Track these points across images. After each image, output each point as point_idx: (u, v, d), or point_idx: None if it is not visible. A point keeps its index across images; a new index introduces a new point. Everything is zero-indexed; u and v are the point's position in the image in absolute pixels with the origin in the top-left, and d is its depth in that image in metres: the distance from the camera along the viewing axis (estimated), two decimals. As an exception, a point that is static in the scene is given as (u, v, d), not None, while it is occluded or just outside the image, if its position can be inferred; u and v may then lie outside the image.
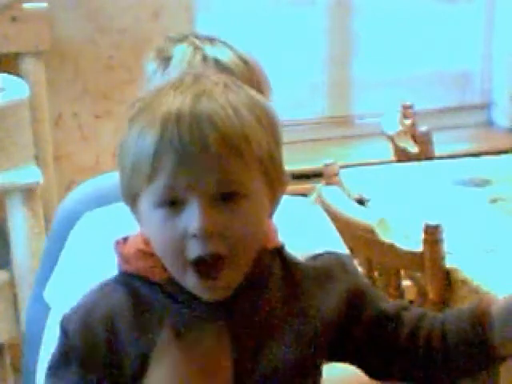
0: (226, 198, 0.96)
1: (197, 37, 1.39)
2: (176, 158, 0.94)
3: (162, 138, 0.94)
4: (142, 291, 1.02)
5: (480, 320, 1.03)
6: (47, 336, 1.40)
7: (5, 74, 2.58)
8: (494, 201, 2.20)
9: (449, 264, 1.83)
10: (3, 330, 2.51)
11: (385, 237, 1.88)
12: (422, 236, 1.82)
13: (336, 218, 2.04)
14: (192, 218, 0.95)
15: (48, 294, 1.42)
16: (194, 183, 0.94)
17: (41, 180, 2.50)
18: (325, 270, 1.07)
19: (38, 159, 2.61)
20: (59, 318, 1.36)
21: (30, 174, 2.49)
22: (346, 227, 2.02)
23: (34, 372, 1.45)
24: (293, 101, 3.41)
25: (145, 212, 0.99)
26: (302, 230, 1.27)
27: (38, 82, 2.74)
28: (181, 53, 1.36)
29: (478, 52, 3.57)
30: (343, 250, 1.43)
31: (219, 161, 0.94)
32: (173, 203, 0.96)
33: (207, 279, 0.97)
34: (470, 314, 1.04)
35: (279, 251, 1.07)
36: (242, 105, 0.97)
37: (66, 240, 1.43)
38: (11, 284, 2.52)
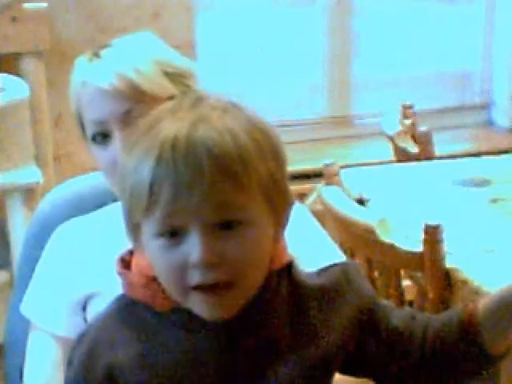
0: (226, 226, 0.95)
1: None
2: (172, 187, 0.93)
3: (157, 166, 0.93)
4: (147, 319, 1.02)
5: (468, 324, 1.03)
6: (31, 350, 1.39)
7: (5, 74, 2.59)
8: (494, 201, 2.20)
9: (449, 264, 1.83)
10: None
11: (385, 237, 1.88)
12: (422, 236, 1.82)
13: (336, 218, 2.05)
14: (192, 248, 0.94)
15: (25, 308, 1.40)
16: (191, 212, 0.93)
17: (41, 180, 2.50)
18: (331, 288, 1.06)
19: (38, 159, 2.61)
20: (41, 333, 1.37)
21: (30, 174, 2.49)
22: (346, 227, 2.02)
23: (16, 380, 1.45)
24: (293, 101, 3.41)
25: (146, 241, 0.98)
26: (295, 238, 1.27)
27: (38, 82, 2.74)
28: None
29: (477, 52, 3.58)
30: (338, 254, 1.43)
31: (215, 188, 0.92)
32: (173, 234, 0.95)
33: (210, 293, 0.96)
34: (459, 319, 1.04)
35: (288, 269, 1.06)
36: (240, 129, 0.95)
37: (42, 246, 1.42)
38: (11, 284, 2.52)
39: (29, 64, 2.75)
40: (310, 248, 1.34)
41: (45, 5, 2.76)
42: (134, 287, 1.03)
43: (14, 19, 2.70)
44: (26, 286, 1.42)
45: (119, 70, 1.30)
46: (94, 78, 1.31)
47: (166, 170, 0.92)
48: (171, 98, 1.32)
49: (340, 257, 1.41)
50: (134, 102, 1.29)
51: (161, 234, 0.95)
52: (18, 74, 2.67)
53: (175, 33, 3.08)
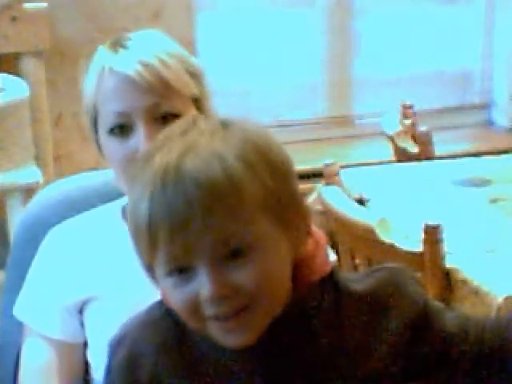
0: (232, 254, 0.91)
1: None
2: (167, 227, 0.90)
3: (151, 207, 0.90)
4: (188, 327, 0.99)
5: None
6: (25, 355, 1.38)
7: (5, 74, 2.59)
8: (493, 201, 2.20)
9: (449, 264, 1.83)
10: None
11: (385, 237, 1.88)
12: (422, 236, 1.81)
13: (336, 218, 2.05)
14: (202, 284, 0.91)
15: (19, 310, 1.39)
16: (191, 250, 0.90)
17: (41, 180, 2.50)
18: (380, 296, 1.00)
19: (38, 159, 2.61)
20: (35, 338, 1.35)
21: (30, 174, 2.49)
22: (346, 227, 2.02)
23: (10, 382, 1.44)
24: (293, 101, 3.41)
25: (159, 280, 0.96)
26: None
27: (38, 82, 2.74)
28: None
29: (477, 52, 3.58)
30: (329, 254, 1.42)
31: (210, 221, 0.89)
32: (181, 270, 0.92)
33: (227, 321, 0.93)
34: None
35: (331, 277, 1.01)
36: (229, 152, 0.91)
37: (30, 247, 1.41)
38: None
39: (29, 64, 2.75)
40: None
41: (45, 5, 2.76)
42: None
43: (14, 19, 2.71)
44: (16, 287, 1.41)
45: (147, 60, 1.28)
46: (121, 65, 1.28)
47: (160, 211, 0.90)
48: (193, 98, 1.32)
49: (331, 256, 1.41)
50: (161, 96, 1.27)
51: (169, 274, 0.93)
52: (18, 74, 2.67)
53: (175, 32, 3.04)
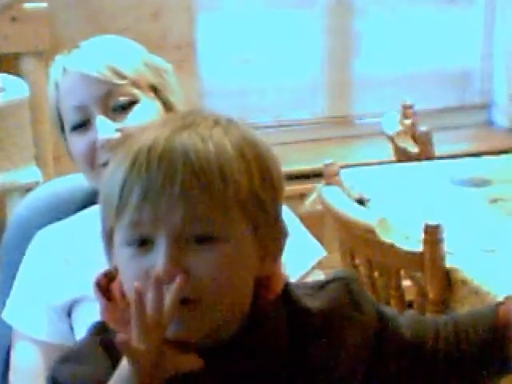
0: (198, 240, 0.88)
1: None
2: (141, 191, 0.88)
3: (130, 169, 0.89)
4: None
5: (501, 328, 1.00)
6: (14, 361, 1.37)
7: (5, 74, 2.59)
8: (493, 201, 2.20)
9: (449, 264, 1.83)
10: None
11: (385, 237, 1.88)
12: (422, 236, 1.81)
13: (336, 218, 2.05)
14: (157, 259, 0.88)
15: (7, 315, 1.38)
16: (159, 219, 0.88)
17: (41, 180, 2.50)
18: (335, 312, 0.98)
19: (38, 159, 2.61)
20: (24, 342, 1.35)
21: (30, 174, 2.49)
22: (346, 227, 2.02)
23: None
24: (293, 101, 3.41)
25: (116, 249, 0.93)
26: None
27: (38, 82, 2.74)
28: None
29: (477, 52, 3.58)
30: (317, 246, 1.42)
31: (187, 196, 0.87)
32: (141, 243, 0.90)
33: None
34: (490, 322, 1.01)
35: (284, 294, 0.97)
36: (229, 142, 0.90)
37: (20, 250, 1.40)
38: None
39: (29, 64, 2.75)
40: (292, 249, 1.33)
41: (45, 5, 2.76)
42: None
43: (13, 19, 2.70)
44: (5, 289, 1.40)
45: (99, 53, 1.34)
46: (73, 63, 1.35)
47: (138, 174, 0.88)
48: (152, 87, 1.35)
49: (321, 252, 1.40)
50: (114, 84, 1.31)
51: (130, 243, 0.91)
52: (18, 74, 2.67)
53: (175, 33, 3.08)
